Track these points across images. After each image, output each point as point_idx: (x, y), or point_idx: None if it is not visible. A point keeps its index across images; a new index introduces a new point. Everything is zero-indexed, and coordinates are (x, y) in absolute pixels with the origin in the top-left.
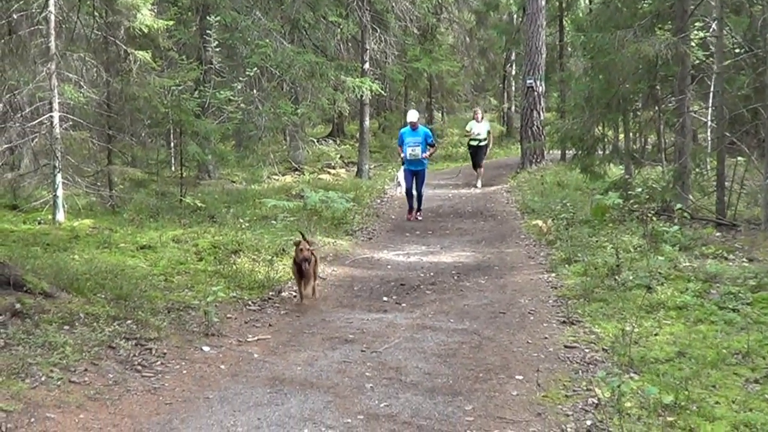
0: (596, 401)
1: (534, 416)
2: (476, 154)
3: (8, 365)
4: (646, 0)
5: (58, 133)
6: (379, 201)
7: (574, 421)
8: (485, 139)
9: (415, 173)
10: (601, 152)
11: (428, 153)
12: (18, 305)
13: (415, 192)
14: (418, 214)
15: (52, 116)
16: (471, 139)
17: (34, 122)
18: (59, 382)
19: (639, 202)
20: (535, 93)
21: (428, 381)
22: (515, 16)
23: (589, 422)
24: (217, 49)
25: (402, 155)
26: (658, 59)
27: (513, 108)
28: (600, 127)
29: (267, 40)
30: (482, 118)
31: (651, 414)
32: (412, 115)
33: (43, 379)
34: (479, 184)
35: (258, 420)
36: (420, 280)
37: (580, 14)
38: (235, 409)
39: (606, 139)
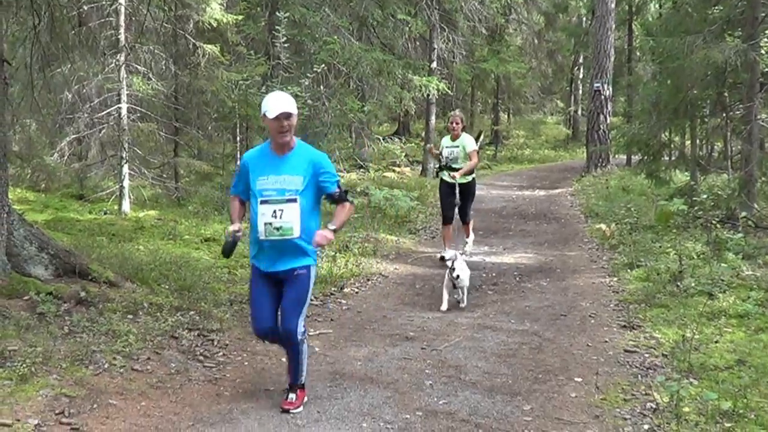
0: (654, 406)
1: (591, 419)
2: (450, 194)
3: (72, 352)
4: (716, 6)
5: (126, 125)
6: None
7: (632, 425)
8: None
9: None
10: (667, 158)
11: (461, 171)
12: (83, 293)
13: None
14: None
15: (120, 107)
16: (440, 167)
17: (102, 113)
18: (122, 370)
19: (704, 209)
20: (602, 96)
21: (487, 380)
22: (584, 18)
23: (646, 426)
24: (285, 45)
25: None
26: (727, 66)
27: (579, 111)
28: (666, 133)
29: (335, 37)
30: (462, 129)
31: (708, 420)
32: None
33: (106, 366)
34: (468, 248)
35: (318, 413)
36: (482, 280)
37: (650, 18)
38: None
39: (672, 145)
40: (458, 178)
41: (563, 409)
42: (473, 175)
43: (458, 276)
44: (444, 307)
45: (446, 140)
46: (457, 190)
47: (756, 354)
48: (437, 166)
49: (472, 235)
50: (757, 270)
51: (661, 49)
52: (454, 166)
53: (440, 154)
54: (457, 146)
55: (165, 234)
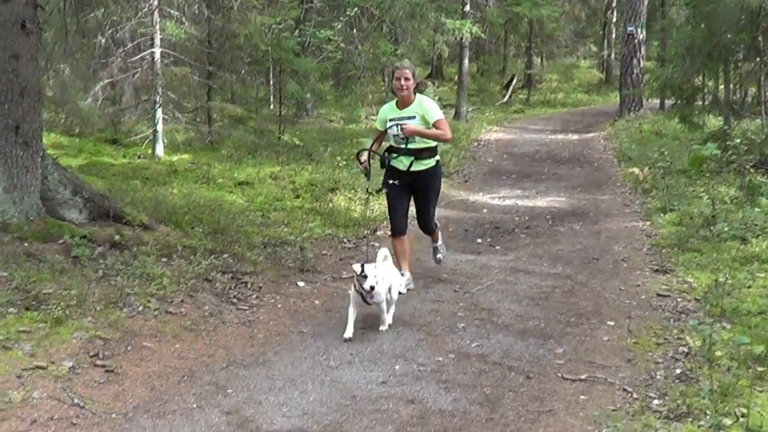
0: (687, 350)
1: (624, 362)
2: (400, 188)
3: (106, 295)
4: None
5: (159, 69)
6: (476, 144)
7: (664, 369)
8: (425, 150)
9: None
10: (700, 102)
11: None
12: (117, 237)
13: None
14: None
15: (153, 52)
16: (389, 149)
17: (135, 58)
18: (156, 312)
19: (737, 153)
20: (636, 40)
21: (520, 323)
22: None
23: (678, 370)
24: None
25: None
26: (762, 10)
27: (613, 55)
28: (700, 77)
29: None
30: (416, 89)
31: (741, 365)
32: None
33: (140, 308)
34: (441, 255)
35: (350, 355)
36: (514, 224)
37: None
38: (328, 344)
39: (706, 90)
40: (415, 165)
41: (596, 352)
42: (437, 158)
43: (371, 288)
44: (347, 334)
45: (389, 109)
46: (414, 182)
47: None
48: (383, 155)
49: (440, 240)
50: None
51: None
52: (410, 147)
53: (376, 153)
54: (411, 116)
55: (198, 178)
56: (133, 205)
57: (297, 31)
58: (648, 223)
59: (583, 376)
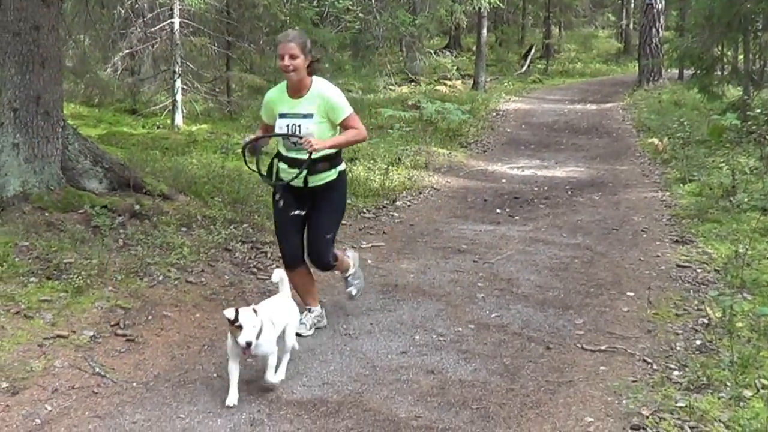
0: (707, 321)
1: (644, 333)
2: (291, 207)
3: (127, 264)
4: None
5: (178, 39)
6: (494, 114)
7: (684, 340)
8: (323, 160)
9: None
10: (719, 72)
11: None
12: (137, 206)
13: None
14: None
15: (172, 22)
16: (278, 156)
17: (155, 28)
18: (176, 282)
19: (757, 123)
20: (655, 10)
21: (539, 293)
22: None
23: (698, 342)
24: None
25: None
26: None
27: (631, 25)
28: (719, 47)
29: None
30: (310, 68)
31: (761, 336)
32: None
33: (160, 278)
34: (354, 289)
35: (370, 325)
36: (533, 194)
37: None
38: (348, 313)
39: (725, 59)
40: (315, 157)
41: (615, 323)
42: (340, 167)
43: (247, 345)
44: (230, 401)
45: (278, 97)
46: (309, 199)
47: None
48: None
49: (353, 267)
50: None
51: None
52: (300, 156)
53: (257, 147)
54: (308, 114)
55: (217, 147)
56: (153, 175)
57: (315, 1)
58: (667, 193)
59: (602, 347)
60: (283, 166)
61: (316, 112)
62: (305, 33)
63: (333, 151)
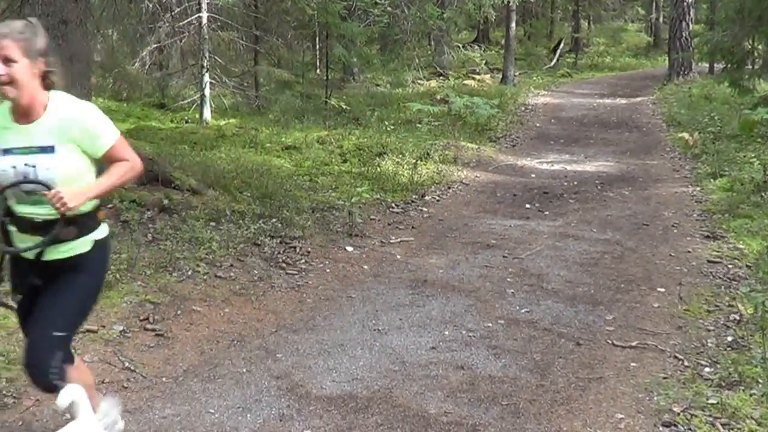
0: (738, 317)
1: (675, 329)
2: (32, 293)
3: (156, 259)
4: None
5: (206, 33)
6: (523, 108)
7: (715, 336)
8: (71, 221)
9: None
10: (750, 66)
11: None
12: (166, 201)
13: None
14: None
15: (200, 16)
16: (6, 213)
17: (182, 22)
18: (205, 277)
19: None
20: (685, 3)
21: (569, 289)
22: None
23: (730, 338)
24: None
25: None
26: None
27: (661, 18)
28: (750, 41)
29: None
30: (45, 80)
31: None
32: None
33: (189, 273)
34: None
35: (399, 320)
36: (563, 189)
37: None
38: (377, 308)
39: (756, 53)
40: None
41: (646, 319)
42: (95, 235)
43: None
44: None
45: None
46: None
47: None
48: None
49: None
50: None
51: None
52: (39, 212)
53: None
54: (47, 147)
55: (246, 142)
56: (182, 170)
57: None
58: (698, 188)
59: (633, 343)
60: (13, 228)
61: (58, 142)
62: (39, 27)
63: (86, 209)
